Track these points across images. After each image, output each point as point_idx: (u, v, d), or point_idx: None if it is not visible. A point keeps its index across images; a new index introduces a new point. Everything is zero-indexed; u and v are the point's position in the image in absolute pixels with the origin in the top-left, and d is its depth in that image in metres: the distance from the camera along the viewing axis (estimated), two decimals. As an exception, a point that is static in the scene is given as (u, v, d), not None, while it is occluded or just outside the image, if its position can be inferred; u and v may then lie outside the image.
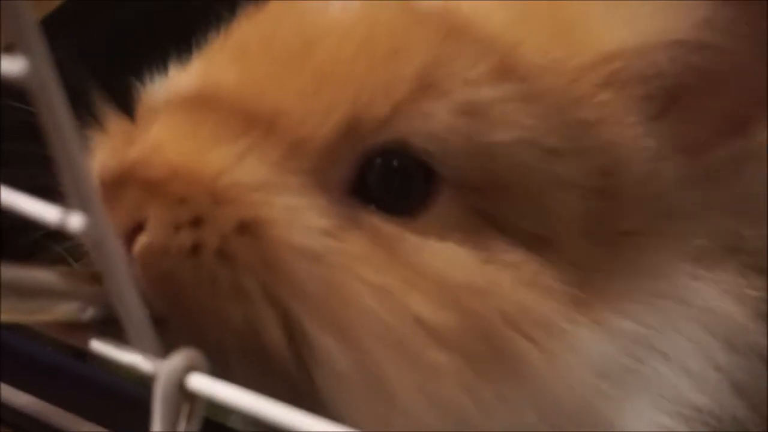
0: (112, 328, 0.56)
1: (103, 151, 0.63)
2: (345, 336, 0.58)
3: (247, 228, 0.58)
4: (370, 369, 0.58)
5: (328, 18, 0.62)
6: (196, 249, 0.57)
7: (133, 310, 0.53)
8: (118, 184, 0.59)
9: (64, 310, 0.57)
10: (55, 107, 0.46)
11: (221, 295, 0.58)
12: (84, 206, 0.48)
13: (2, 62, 0.45)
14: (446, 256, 0.60)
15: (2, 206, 0.52)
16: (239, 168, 0.59)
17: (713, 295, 0.61)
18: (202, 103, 0.61)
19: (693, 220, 0.62)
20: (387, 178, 0.60)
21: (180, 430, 0.53)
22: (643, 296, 0.61)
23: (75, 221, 0.48)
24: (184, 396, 0.53)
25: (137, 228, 0.58)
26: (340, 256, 0.58)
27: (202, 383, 0.52)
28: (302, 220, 0.58)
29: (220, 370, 0.54)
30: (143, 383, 0.54)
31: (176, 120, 0.61)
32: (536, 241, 0.61)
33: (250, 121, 0.60)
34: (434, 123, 0.60)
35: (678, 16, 0.61)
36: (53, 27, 0.64)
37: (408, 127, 0.60)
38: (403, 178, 0.60)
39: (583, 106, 0.61)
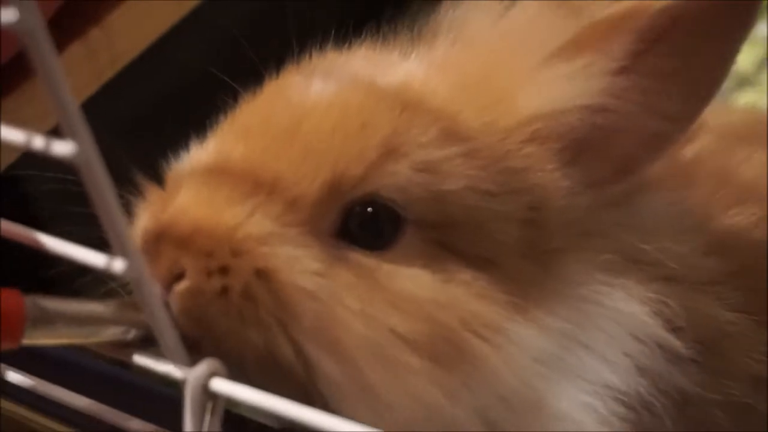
0: (149, 345, 0.57)
1: (143, 216, 0.64)
2: (337, 353, 0.58)
3: (262, 274, 0.59)
4: (358, 377, 0.58)
5: (309, 101, 0.63)
6: (225, 291, 0.59)
7: (166, 331, 0.54)
8: (156, 242, 0.60)
9: (112, 333, 0.58)
10: (98, 179, 0.47)
11: (245, 325, 0.59)
12: (124, 253, 0.49)
13: (55, 145, 0.46)
14: (414, 279, 0.60)
15: (60, 255, 0.53)
16: (249, 223, 0.60)
17: (621, 297, 0.62)
18: (216, 173, 0.62)
19: (602, 239, 0.63)
20: (364, 222, 0.61)
21: (206, 422, 0.54)
22: (568, 300, 0.61)
23: (118, 265, 0.50)
24: (208, 396, 0.54)
25: (175, 276, 0.59)
26: (330, 291, 0.59)
27: (223, 385, 0.53)
28: (300, 266, 0.59)
29: (241, 378, 0.55)
30: (176, 387, 0.55)
31: (197, 187, 0.62)
32: (483, 262, 0.61)
33: (255, 185, 0.60)
34: (398, 179, 0.60)
35: (583, 86, 0.61)
36: (94, 108, 0.65)
37: (378, 184, 0.60)
38: (376, 222, 0.61)
39: (511, 158, 0.62)
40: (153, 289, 0.53)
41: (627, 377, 0.61)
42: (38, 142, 0.47)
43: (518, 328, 0.60)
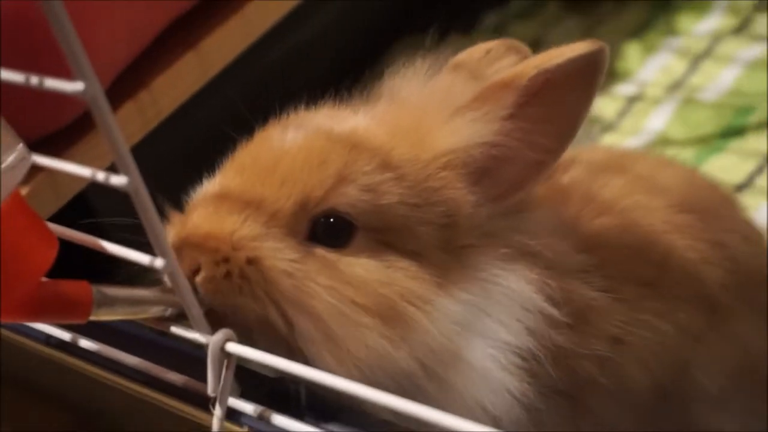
0: (182, 319, 0.60)
1: (173, 230, 0.65)
2: (310, 315, 0.60)
3: (253, 261, 0.60)
4: (327, 332, 0.60)
5: (286, 145, 0.64)
6: (228, 275, 0.60)
7: (193, 309, 0.57)
8: (181, 248, 0.61)
9: (156, 310, 0.60)
10: (144, 202, 0.50)
11: (244, 298, 0.60)
12: (163, 254, 0.53)
13: (112, 178, 0.48)
14: (364, 266, 0.61)
15: (117, 256, 0.56)
16: (243, 228, 0.61)
17: (512, 279, 0.63)
18: (221, 197, 0.63)
19: (499, 238, 0.64)
20: (327, 229, 0.62)
21: (223, 374, 0.56)
22: (474, 281, 0.62)
23: (158, 262, 0.53)
24: (224, 355, 0.56)
25: (195, 271, 0.61)
26: (304, 273, 0.61)
27: (235, 347, 0.56)
28: (281, 254, 0.61)
29: (246, 340, 0.58)
30: (201, 349, 0.57)
31: (207, 207, 0.63)
32: (413, 254, 0.62)
33: (247, 204, 0.62)
34: (349, 198, 0.62)
35: (482, 128, 0.63)
36: (141, 150, 0.67)
37: (335, 202, 0.62)
38: (335, 229, 0.62)
39: (431, 180, 0.63)
40: (183, 279, 0.56)
41: (519, 336, 0.62)
42: (100, 176, 0.49)
43: (441, 300, 0.61)
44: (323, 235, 0.62)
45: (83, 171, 0.51)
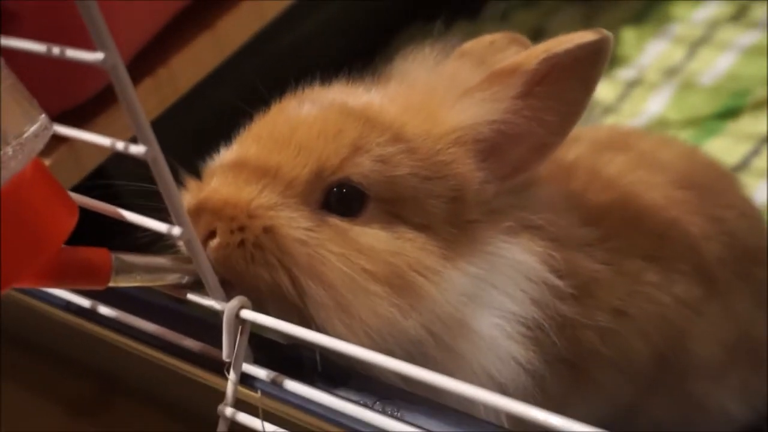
0: (198, 287, 0.59)
1: (189, 195, 0.64)
2: (323, 282, 0.59)
3: (268, 230, 0.59)
4: (338, 299, 0.59)
5: (302, 116, 0.63)
6: (242, 243, 0.59)
7: (209, 277, 0.56)
8: (198, 212, 0.60)
9: (173, 278, 0.59)
10: (162, 171, 0.49)
11: (257, 266, 0.59)
12: (180, 223, 0.52)
13: (131, 148, 0.48)
14: (375, 236, 0.60)
15: (137, 224, 0.56)
16: (260, 197, 0.60)
17: (516, 251, 0.62)
18: (238, 165, 0.62)
19: (504, 213, 0.63)
20: (340, 199, 0.61)
21: (237, 340, 0.56)
22: (480, 254, 0.62)
23: (176, 230, 0.52)
24: (239, 322, 0.56)
25: (210, 235, 0.60)
26: (318, 241, 0.60)
27: (249, 314, 0.56)
28: (296, 223, 0.60)
29: (258, 308, 0.57)
30: (217, 315, 0.57)
31: (225, 175, 0.62)
32: (422, 226, 0.61)
33: (264, 173, 0.61)
34: (363, 168, 0.61)
35: (492, 107, 0.62)
36: (159, 126, 0.66)
37: (349, 171, 0.61)
38: (348, 198, 0.61)
39: (441, 154, 0.62)
40: (200, 247, 0.55)
41: (524, 306, 0.62)
42: (119, 145, 0.49)
43: (448, 271, 0.60)
44: (336, 205, 0.61)
45: (103, 140, 0.50)
